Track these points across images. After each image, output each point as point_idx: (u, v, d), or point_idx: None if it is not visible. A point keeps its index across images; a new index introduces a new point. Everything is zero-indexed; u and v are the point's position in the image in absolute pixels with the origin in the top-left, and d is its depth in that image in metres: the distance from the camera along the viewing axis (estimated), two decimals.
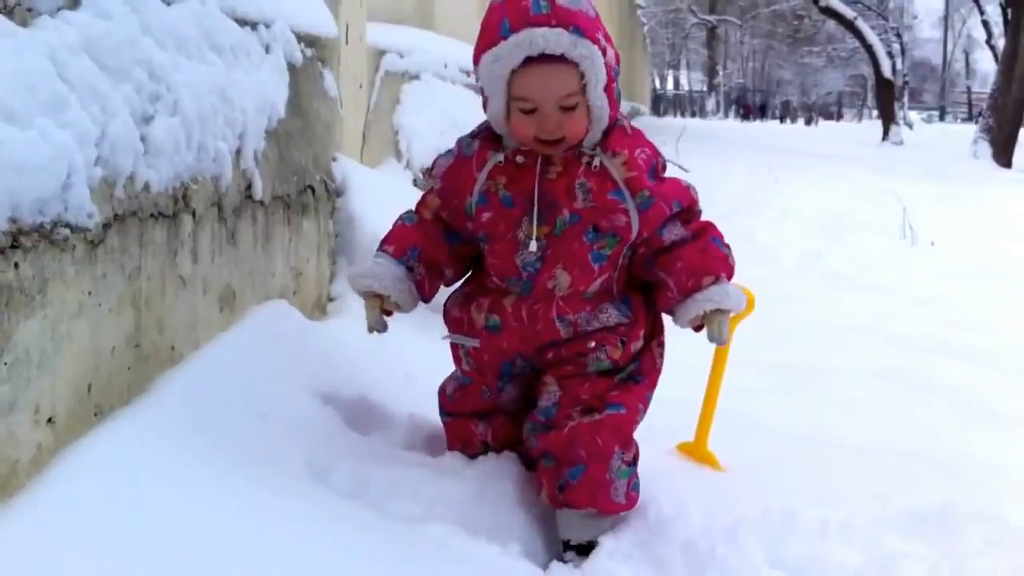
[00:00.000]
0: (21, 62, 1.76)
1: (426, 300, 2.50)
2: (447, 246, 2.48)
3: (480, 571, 2.09)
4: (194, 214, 2.45)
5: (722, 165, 13.03)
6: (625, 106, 2.40)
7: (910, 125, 37.22)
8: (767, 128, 40.10)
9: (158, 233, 2.26)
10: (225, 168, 2.59)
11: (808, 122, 55.53)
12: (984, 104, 22.96)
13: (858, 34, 28.80)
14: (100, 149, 1.95)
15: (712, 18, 55.70)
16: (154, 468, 1.92)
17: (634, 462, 2.40)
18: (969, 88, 63.74)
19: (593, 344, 2.38)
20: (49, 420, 1.84)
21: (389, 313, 2.45)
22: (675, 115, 54.39)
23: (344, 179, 3.86)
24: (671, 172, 2.50)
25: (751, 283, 2.60)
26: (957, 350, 4.60)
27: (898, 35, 38.32)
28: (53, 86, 1.82)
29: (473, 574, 2.08)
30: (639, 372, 2.44)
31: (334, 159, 3.82)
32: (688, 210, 2.41)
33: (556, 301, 2.37)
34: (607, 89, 2.25)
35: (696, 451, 2.81)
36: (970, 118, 51.22)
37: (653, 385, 2.48)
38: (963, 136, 26.00)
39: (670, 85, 71.96)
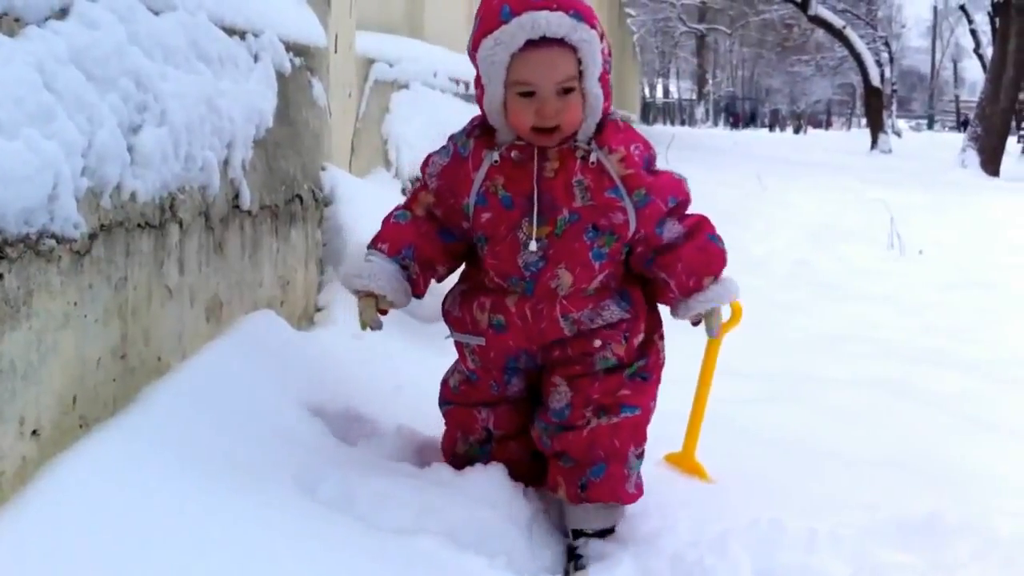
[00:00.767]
0: (8, 72, 1.75)
1: (419, 296, 2.52)
2: (440, 243, 2.48)
3: None
4: (181, 224, 2.44)
5: (711, 174, 13.05)
6: (615, 114, 2.43)
7: (898, 134, 37.39)
8: (756, 136, 40.25)
9: (145, 243, 2.25)
10: (213, 178, 2.58)
11: (797, 130, 55.65)
12: (972, 113, 23.07)
13: (847, 43, 28.96)
14: (87, 159, 1.94)
15: (702, 27, 55.90)
16: (140, 480, 1.91)
17: (643, 454, 2.50)
18: (957, 97, 64.03)
19: (599, 343, 2.41)
20: (34, 432, 1.83)
21: (384, 312, 2.46)
22: (664, 123, 54.46)
23: (333, 188, 3.85)
24: None
25: (740, 292, 2.60)
26: (946, 359, 4.60)
27: (887, 44, 38.51)
28: (40, 97, 1.81)
29: None
30: (646, 369, 2.48)
31: (323, 168, 3.81)
32: (682, 204, 2.45)
33: (559, 300, 2.39)
34: (602, 79, 2.30)
35: (684, 461, 2.81)
36: (958, 127, 51.41)
37: (660, 379, 2.54)
38: (951, 145, 26.13)
39: (660, 93, 72.09)
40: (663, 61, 64.36)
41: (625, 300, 2.44)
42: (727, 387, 3.06)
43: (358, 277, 2.42)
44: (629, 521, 2.44)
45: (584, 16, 2.23)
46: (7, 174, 1.69)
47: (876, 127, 27.83)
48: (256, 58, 3.01)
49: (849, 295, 6.31)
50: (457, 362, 2.60)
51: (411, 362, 3.24)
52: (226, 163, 2.70)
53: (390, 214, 2.53)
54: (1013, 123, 23.52)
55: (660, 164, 2.45)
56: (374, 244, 2.48)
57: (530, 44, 2.22)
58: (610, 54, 2.34)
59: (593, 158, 2.33)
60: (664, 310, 2.55)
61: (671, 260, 2.42)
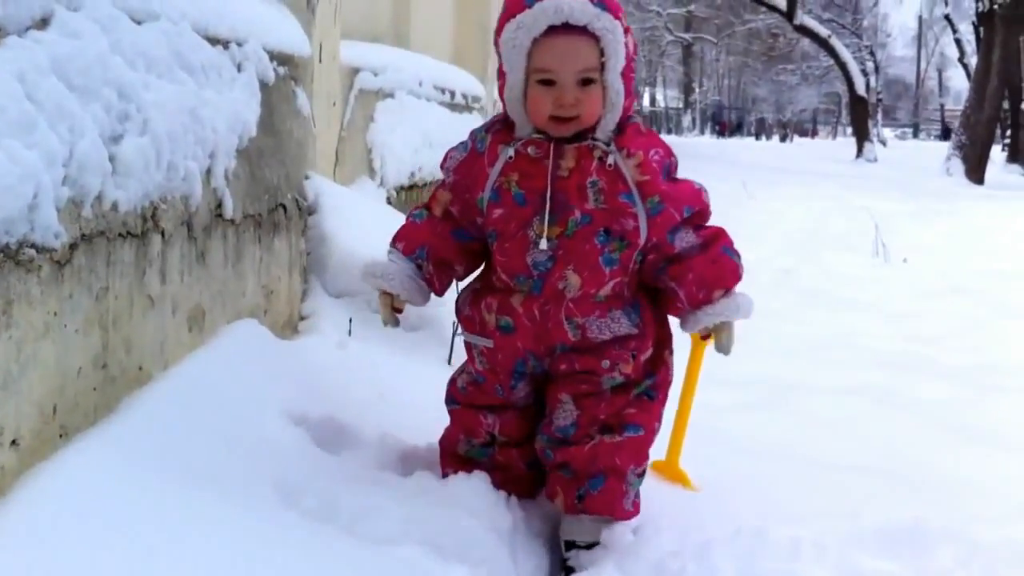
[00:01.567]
0: None
1: (438, 294, 2.55)
2: (455, 243, 2.50)
3: None
4: (163, 233, 2.43)
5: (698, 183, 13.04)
6: (637, 116, 2.43)
7: (884, 142, 37.55)
8: (743, 145, 40.35)
9: (126, 252, 2.24)
10: (195, 187, 2.58)
11: (783, 139, 55.88)
12: (957, 121, 23.19)
13: (832, 52, 29.08)
14: (68, 169, 1.93)
15: (688, 36, 56.00)
16: (121, 490, 1.90)
17: (643, 473, 2.49)
18: (942, 106, 64.40)
19: (607, 364, 2.41)
20: (13, 442, 1.82)
21: (400, 310, 2.49)
22: None
23: (317, 197, 3.85)
24: None
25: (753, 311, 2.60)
26: (930, 367, 4.61)
27: (872, 53, 38.67)
28: (21, 106, 1.81)
29: None
30: (654, 387, 2.48)
31: (307, 177, 3.81)
32: (700, 214, 2.45)
33: (566, 302, 2.38)
34: (624, 75, 2.30)
35: (668, 469, 2.81)
36: (943, 135, 51.67)
37: (667, 398, 2.54)
38: (936, 153, 26.25)
39: (646, 102, 72.20)
40: (650, 70, 64.41)
41: (635, 314, 2.42)
42: (711, 395, 3.06)
43: (375, 276, 2.47)
44: (613, 529, 2.43)
45: (608, 6, 2.24)
46: None
47: (861, 136, 27.96)
48: (240, 67, 3.01)
49: (834, 303, 6.32)
50: (466, 363, 2.61)
51: (394, 371, 3.23)
52: (209, 172, 2.69)
53: (411, 211, 2.56)
54: (997, 131, 23.64)
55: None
56: (393, 242, 2.51)
57: (552, 31, 2.23)
58: (636, 51, 2.34)
59: (610, 160, 2.32)
60: (674, 323, 2.54)
61: (682, 270, 2.41)
